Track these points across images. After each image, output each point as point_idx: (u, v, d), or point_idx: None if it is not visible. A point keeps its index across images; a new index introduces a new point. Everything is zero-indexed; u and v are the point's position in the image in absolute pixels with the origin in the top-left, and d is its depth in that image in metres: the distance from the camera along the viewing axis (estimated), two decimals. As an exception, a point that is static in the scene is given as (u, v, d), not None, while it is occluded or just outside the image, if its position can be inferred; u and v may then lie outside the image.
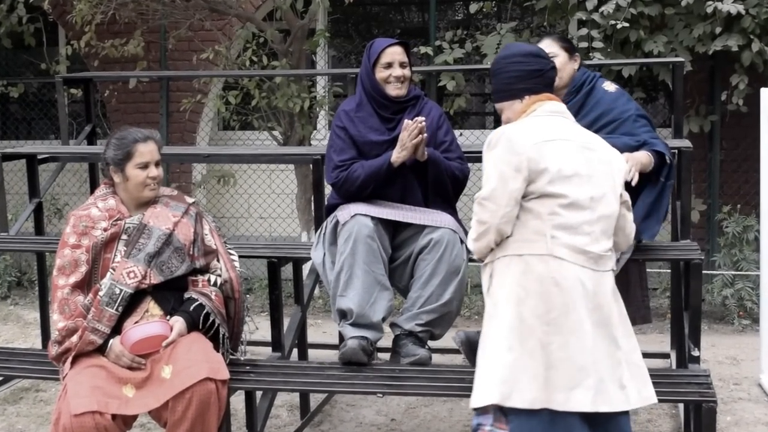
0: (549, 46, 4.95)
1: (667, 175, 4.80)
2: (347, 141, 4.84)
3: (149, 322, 4.20)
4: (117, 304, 4.17)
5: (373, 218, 4.59)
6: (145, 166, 4.33)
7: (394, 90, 4.81)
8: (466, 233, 4.72)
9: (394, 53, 4.81)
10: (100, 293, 4.19)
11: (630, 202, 3.92)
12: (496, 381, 3.57)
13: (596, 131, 4.76)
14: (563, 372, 3.53)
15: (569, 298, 3.58)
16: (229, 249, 4.67)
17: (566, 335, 3.55)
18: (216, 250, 4.53)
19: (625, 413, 3.69)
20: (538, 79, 3.94)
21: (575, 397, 3.52)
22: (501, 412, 3.61)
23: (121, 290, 4.18)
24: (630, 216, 3.92)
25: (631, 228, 3.92)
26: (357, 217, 4.58)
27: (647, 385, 3.74)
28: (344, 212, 4.67)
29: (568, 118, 3.92)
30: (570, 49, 5.03)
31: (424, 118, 4.62)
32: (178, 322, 4.23)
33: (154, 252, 4.27)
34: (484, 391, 3.62)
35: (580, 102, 4.94)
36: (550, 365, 3.53)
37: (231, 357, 4.49)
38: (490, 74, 4.11)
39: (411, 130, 4.59)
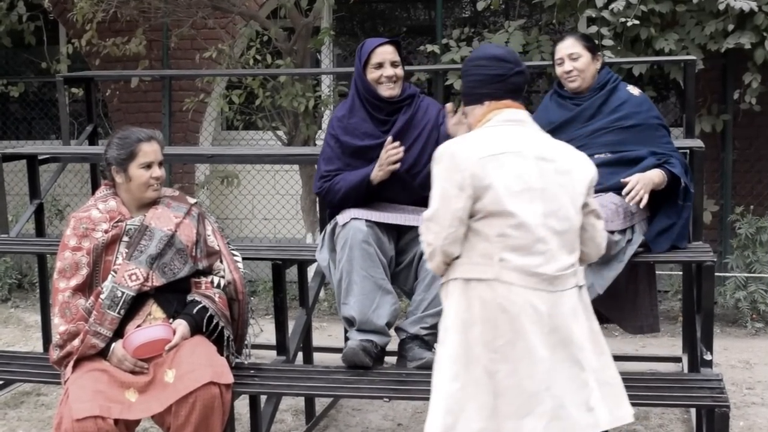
0: (572, 46, 4.93)
1: (684, 197, 4.76)
2: (336, 150, 4.78)
3: (152, 326, 4.15)
4: (119, 307, 4.14)
5: (368, 222, 4.54)
6: (148, 166, 4.30)
7: (386, 90, 4.71)
8: None
9: (385, 53, 4.71)
10: (102, 296, 4.15)
11: (599, 211, 3.64)
12: (441, 412, 3.40)
13: (618, 130, 4.68)
14: (512, 400, 3.34)
15: (518, 324, 3.35)
16: (233, 250, 4.63)
17: (514, 362, 3.35)
18: (219, 251, 4.50)
19: None
20: (499, 84, 3.67)
21: (526, 426, 3.33)
22: None
23: (123, 293, 4.14)
24: (600, 224, 3.62)
25: (602, 237, 3.64)
26: (351, 222, 4.54)
27: (622, 404, 3.53)
28: (344, 215, 4.64)
29: (527, 126, 3.64)
30: (593, 48, 5.00)
31: (399, 146, 4.55)
32: (181, 326, 4.20)
33: (156, 254, 4.24)
34: (431, 423, 3.43)
35: (603, 99, 4.91)
36: (498, 394, 3.34)
37: (236, 360, 4.46)
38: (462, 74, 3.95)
39: (388, 150, 4.54)
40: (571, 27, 8.74)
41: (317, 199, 6.45)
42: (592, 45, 5.02)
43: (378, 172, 4.58)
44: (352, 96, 4.84)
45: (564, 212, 3.44)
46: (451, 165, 3.45)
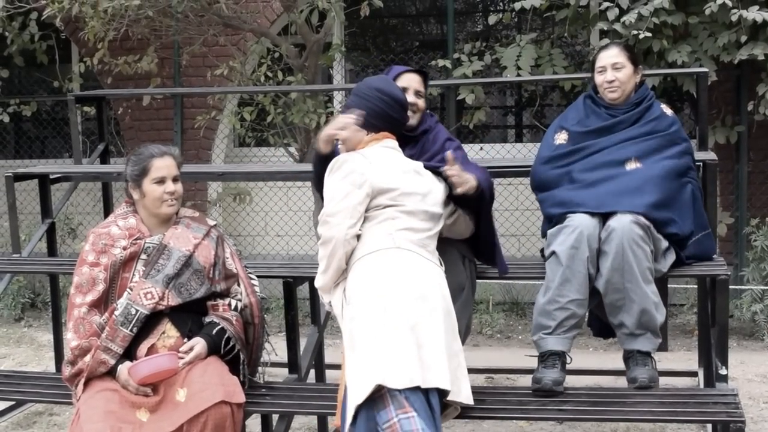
0: (616, 55, 4.84)
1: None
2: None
3: (159, 356, 4.10)
4: (132, 325, 4.12)
5: None
6: (161, 181, 4.31)
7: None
8: (472, 249, 4.60)
9: (412, 80, 4.61)
10: (116, 312, 4.14)
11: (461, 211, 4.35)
12: (375, 367, 3.71)
13: (645, 142, 4.64)
14: (430, 351, 3.77)
15: (423, 283, 3.90)
16: (250, 273, 4.62)
17: (427, 317, 3.83)
18: (237, 274, 4.50)
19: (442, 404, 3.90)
20: (390, 125, 4.25)
21: (440, 375, 3.76)
22: (401, 397, 3.69)
23: (137, 311, 4.13)
24: (461, 218, 4.39)
25: (465, 227, 4.43)
26: None
27: (469, 387, 3.97)
28: None
29: (399, 152, 4.26)
30: (636, 61, 4.90)
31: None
32: (199, 344, 4.19)
33: (173, 274, 4.23)
34: (364, 382, 3.71)
35: (639, 115, 4.82)
36: (420, 345, 3.76)
37: (250, 381, 4.46)
38: (354, 89, 4.39)
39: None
40: (583, 40, 8.71)
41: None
42: (635, 57, 4.92)
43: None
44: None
45: (436, 210, 4.24)
46: (349, 169, 4.04)
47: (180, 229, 4.38)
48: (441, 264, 4.13)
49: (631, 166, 4.67)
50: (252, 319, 4.47)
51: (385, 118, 4.22)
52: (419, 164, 4.26)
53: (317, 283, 4.13)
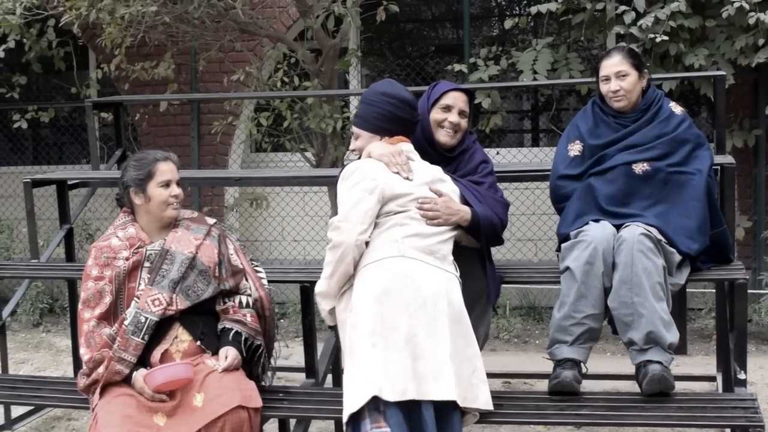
0: (619, 63, 4.77)
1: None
2: None
3: (175, 364, 4.11)
4: (143, 333, 4.14)
5: None
6: (167, 185, 4.33)
7: (444, 137, 4.51)
8: (488, 257, 4.59)
9: (457, 99, 4.52)
10: (126, 322, 4.15)
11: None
12: (367, 379, 3.73)
13: (655, 147, 4.61)
14: (429, 361, 3.77)
15: (426, 291, 3.89)
16: (256, 266, 4.64)
17: (428, 326, 3.82)
18: (243, 269, 4.51)
19: (459, 411, 3.89)
20: (402, 126, 4.28)
21: (440, 386, 3.76)
22: (377, 410, 3.72)
23: (146, 318, 4.13)
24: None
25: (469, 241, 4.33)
26: None
27: (488, 392, 3.99)
28: None
29: (414, 158, 4.27)
30: (640, 66, 4.82)
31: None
32: (230, 351, 4.22)
33: (178, 278, 4.24)
34: (358, 393, 3.75)
35: (648, 120, 4.76)
36: (416, 356, 3.77)
37: (264, 377, 4.49)
38: (361, 98, 4.43)
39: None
40: (599, 44, 8.69)
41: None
42: (640, 62, 4.83)
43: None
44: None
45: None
46: (361, 176, 4.09)
47: (180, 231, 4.39)
48: (455, 269, 4.13)
49: (639, 168, 4.64)
50: (263, 312, 4.50)
51: (395, 120, 4.25)
52: (437, 168, 4.29)
53: (319, 288, 4.17)
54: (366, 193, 4.04)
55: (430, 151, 4.50)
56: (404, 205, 4.08)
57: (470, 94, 4.63)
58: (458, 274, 4.12)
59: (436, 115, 4.52)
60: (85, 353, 4.18)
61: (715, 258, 4.75)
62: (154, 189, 4.30)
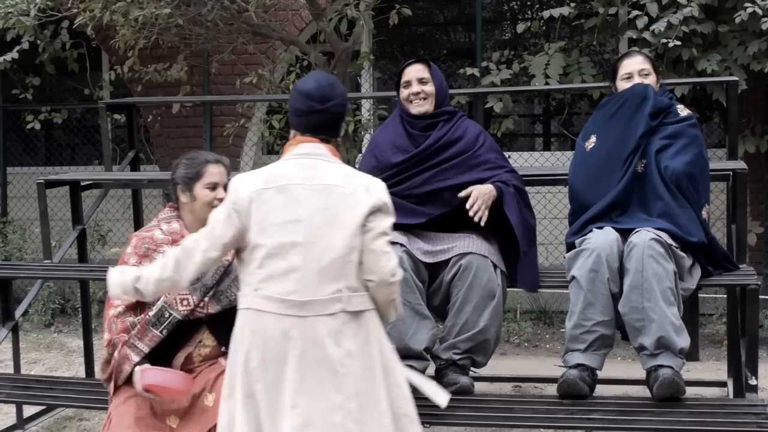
0: (643, 62, 4.87)
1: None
2: (368, 166, 4.90)
3: (176, 373, 4.06)
4: (163, 327, 4.13)
5: (404, 247, 4.52)
6: (213, 187, 4.32)
7: (414, 108, 4.82)
8: (504, 258, 4.62)
9: (411, 71, 4.84)
10: (150, 313, 4.14)
11: (378, 233, 3.58)
12: (221, 427, 3.64)
13: (660, 150, 4.62)
14: (267, 416, 3.54)
15: (268, 348, 3.54)
16: None
17: (267, 383, 3.54)
18: None
19: None
20: (301, 118, 3.76)
21: None
22: None
23: (170, 315, 4.13)
24: (378, 246, 3.58)
25: (385, 262, 3.58)
26: None
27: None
28: None
29: (317, 158, 3.72)
30: (656, 69, 4.93)
31: None
32: None
33: (211, 284, 4.23)
34: None
35: (658, 124, 4.76)
36: (258, 410, 3.56)
37: None
38: None
39: None
40: (611, 49, 8.68)
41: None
42: (656, 66, 4.95)
43: None
44: (395, 113, 4.98)
45: (326, 242, 3.54)
46: (228, 196, 3.69)
47: None
48: (335, 300, 3.56)
49: (639, 167, 4.67)
50: None
51: (294, 112, 3.79)
52: (345, 172, 3.74)
53: (146, 271, 3.80)
54: (225, 216, 3.66)
55: (414, 121, 4.83)
56: (269, 235, 3.60)
57: (424, 60, 4.87)
58: (351, 309, 3.59)
59: (402, 94, 4.88)
60: (106, 337, 4.18)
61: (714, 263, 4.74)
62: (200, 189, 4.30)
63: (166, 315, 4.13)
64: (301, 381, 3.51)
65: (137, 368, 4.05)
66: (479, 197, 4.53)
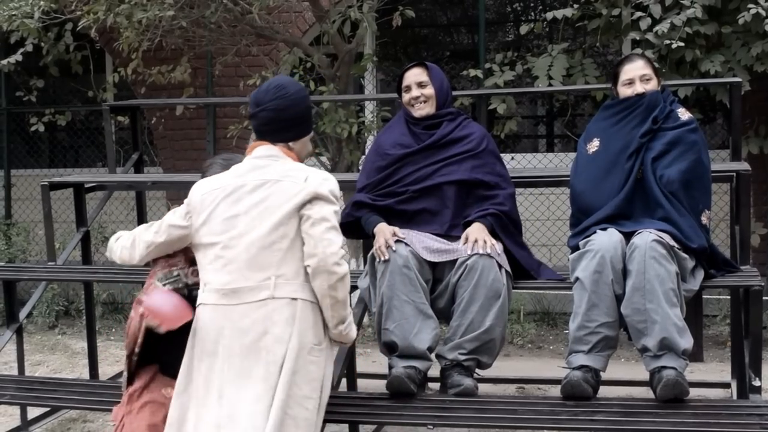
0: (644, 67, 4.83)
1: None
2: (370, 163, 4.99)
3: (173, 300, 3.89)
4: (167, 282, 4.02)
5: (408, 246, 4.53)
6: None
7: (416, 111, 4.92)
8: (511, 259, 4.63)
9: (410, 76, 4.95)
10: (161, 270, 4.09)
11: (317, 219, 3.68)
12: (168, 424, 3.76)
13: (657, 158, 4.61)
14: (195, 407, 3.68)
15: (205, 341, 3.70)
16: None
17: (203, 375, 3.69)
18: None
19: None
20: (253, 124, 3.94)
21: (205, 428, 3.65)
22: None
23: (177, 275, 4.01)
24: (316, 231, 3.67)
25: (323, 248, 3.65)
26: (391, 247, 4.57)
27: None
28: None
29: (267, 159, 3.85)
30: (657, 72, 4.89)
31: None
32: None
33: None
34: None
35: (658, 128, 4.74)
36: (189, 404, 3.70)
37: None
38: None
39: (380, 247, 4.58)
40: (615, 50, 8.68)
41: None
42: (657, 70, 4.91)
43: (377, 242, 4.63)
44: (399, 115, 5.06)
45: (257, 232, 3.69)
46: (188, 197, 3.88)
47: None
48: (263, 286, 3.69)
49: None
50: None
51: (250, 117, 3.96)
52: (289, 167, 3.82)
53: (123, 236, 4.15)
54: (178, 216, 3.93)
55: (418, 122, 4.91)
56: (210, 234, 3.82)
57: (422, 64, 4.97)
58: (278, 295, 3.70)
59: (404, 98, 4.99)
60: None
61: (715, 266, 4.73)
62: None
63: (175, 273, 4.05)
64: (229, 370, 3.63)
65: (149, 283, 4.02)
66: (477, 237, 4.59)
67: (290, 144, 3.93)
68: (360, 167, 8.40)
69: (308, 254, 3.67)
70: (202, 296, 3.77)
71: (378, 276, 4.56)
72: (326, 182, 3.78)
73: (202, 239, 3.78)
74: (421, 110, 4.88)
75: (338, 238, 3.73)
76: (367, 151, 8.97)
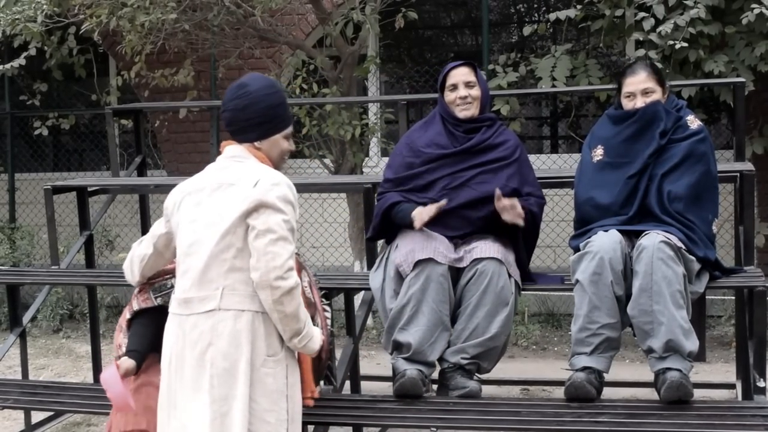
0: (645, 81, 4.72)
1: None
2: (403, 157, 4.86)
3: (119, 390, 3.85)
4: (159, 295, 4.12)
5: (441, 263, 4.47)
6: None
7: (460, 111, 4.81)
8: (519, 263, 4.61)
9: (458, 74, 4.82)
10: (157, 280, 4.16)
11: (261, 231, 3.55)
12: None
13: (666, 174, 4.59)
14: (163, 415, 3.70)
15: (166, 348, 3.70)
16: (326, 304, 4.41)
17: (162, 382, 3.72)
18: (315, 304, 4.20)
19: None
20: (227, 124, 3.87)
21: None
22: None
23: (171, 285, 4.02)
24: (258, 244, 3.54)
25: (265, 263, 3.52)
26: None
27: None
28: (425, 250, 4.50)
29: (232, 159, 3.78)
30: (663, 81, 4.79)
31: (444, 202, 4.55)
32: None
33: None
34: None
35: (667, 141, 4.70)
36: (174, 405, 3.68)
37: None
38: None
39: (431, 210, 4.51)
40: (618, 51, 8.66)
41: (364, 226, 6.42)
42: (662, 77, 4.81)
43: (419, 219, 4.53)
44: (435, 113, 4.95)
45: (208, 240, 3.60)
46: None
47: None
48: (211, 297, 3.63)
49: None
50: (320, 353, 4.11)
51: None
52: (245, 169, 3.74)
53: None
54: (163, 221, 3.98)
55: (459, 124, 4.81)
56: (178, 238, 3.87)
57: (470, 64, 4.88)
58: (226, 307, 3.63)
59: (447, 97, 4.85)
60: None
61: (720, 271, 4.72)
62: None
63: (168, 285, 4.09)
64: (182, 381, 3.62)
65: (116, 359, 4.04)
66: (515, 206, 4.53)
67: (256, 144, 3.81)
68: (362, 169, 8.43)
69: (252, 267, 3.55)
70: (172, 304, 3.75)
71: (411, 275, 4.48)
72: (275, 188, 3.62)
73: (178, 243, 3.77)
74: (466, 111, 4.79)
75: (285, 250, 3.57)
76: (372, 152, 8.99)
